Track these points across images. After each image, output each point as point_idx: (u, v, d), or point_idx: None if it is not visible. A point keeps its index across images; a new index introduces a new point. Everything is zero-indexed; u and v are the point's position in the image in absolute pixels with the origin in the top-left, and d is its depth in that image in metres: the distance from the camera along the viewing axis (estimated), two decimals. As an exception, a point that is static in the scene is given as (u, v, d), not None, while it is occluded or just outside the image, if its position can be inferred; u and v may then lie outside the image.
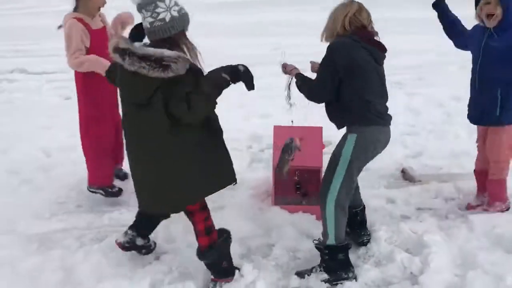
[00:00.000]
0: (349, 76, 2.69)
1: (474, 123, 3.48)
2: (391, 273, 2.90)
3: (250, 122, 5.15)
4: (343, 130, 2.93)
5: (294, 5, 12.61)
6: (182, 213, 3.32)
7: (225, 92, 5.20)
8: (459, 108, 5.60)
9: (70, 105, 5.79)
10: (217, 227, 3.33)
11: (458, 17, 3.48)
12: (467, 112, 3.50)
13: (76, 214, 3.59)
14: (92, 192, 3.72)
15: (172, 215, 3.19)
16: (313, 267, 2.89)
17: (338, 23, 2.77)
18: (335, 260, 2.80)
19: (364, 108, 2.74)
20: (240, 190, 3.87)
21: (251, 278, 2.84)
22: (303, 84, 2.90)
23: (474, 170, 3.60)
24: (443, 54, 7.92)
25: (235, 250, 3.12)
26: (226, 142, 4.59)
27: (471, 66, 3.35)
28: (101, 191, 3.71)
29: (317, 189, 3.58)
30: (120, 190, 3.76)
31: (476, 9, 3.22)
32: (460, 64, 7.28)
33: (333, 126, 4.84)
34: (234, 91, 5.96)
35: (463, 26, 3.47)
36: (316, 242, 2.92)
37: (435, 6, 3.49)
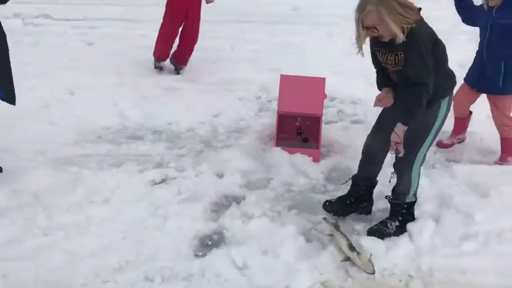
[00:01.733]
0: (435, 49, 2.67)
1: (478, 90, 3.84)
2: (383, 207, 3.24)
3: (260, 75, 5.42)
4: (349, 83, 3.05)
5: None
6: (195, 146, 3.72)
7: (238, 45, 5.41)
8: (463, 73, 5.84)
9: (93, 50, 6.16)
10: (223, 163, 3.72)
11: None
12: (466, 76, 3.90)
13: (97, 143, 3.97)
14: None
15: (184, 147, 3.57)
16: (385, 221, 2.99)
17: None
18: (410, 213, 3.03)
19: (447, 74, 2.81)
20: (246, 133, 4.24)
21: (250, 202, 3.22)
22: (408, 110, 2.69)
23: (455, 117, 4.04)
24: (456, 25, 8.07)
25: (237, 180, 3.51)
26: (238, 92, 4.97)
27: (478, 39, 3.76)
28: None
29: (317, 135, 3.94)
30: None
31: None
32: (470, 35, 7.46)
33: (337, 80, 5.09)
34: (247, 46, 6.28)
35: (472, 2, 3.73)
36: (389, 197, 3.04)
37: None
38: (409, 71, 2.64)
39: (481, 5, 3.64)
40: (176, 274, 2.65)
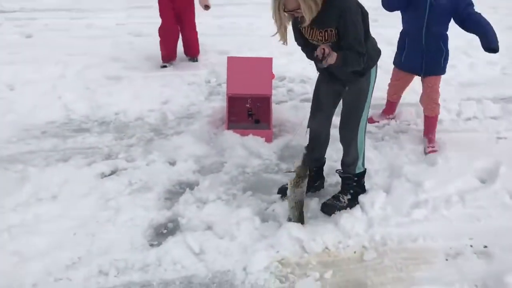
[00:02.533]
0: (364, 19, 2.67)
1: (424, 75, 3.68)
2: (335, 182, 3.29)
3: (209, 59, 5.36)
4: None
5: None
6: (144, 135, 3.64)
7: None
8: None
9: (32, 42, 5.90)
10: (174, 150, 3.67)
11: None
12: (396, 61, 3.86)
13: (41, 139, 3.82)
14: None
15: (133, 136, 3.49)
16: (337, 195, 3.05)
17: None
18: (361, 185, 3.09)
19: (373, 44, 2.83)
20: (197, 118, 4.18)
21: (204, 187, 3.20)
22: (347, 61, 2.62)
23: (388, 100, 4.10)
24: None
25: (190, 166, 3.47)
26: (186, 77, 4.89)
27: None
28: None
29: (268, 115, 3.94)
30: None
31: None
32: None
33: (286, 59, 5.09)
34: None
35: None
36: (339, 171, 3.09)
37: None
38: (345, 45, 2.61)
39: None
40: (131, 265, 2.59)
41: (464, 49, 5.59)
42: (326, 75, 2.91)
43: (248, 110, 4.02)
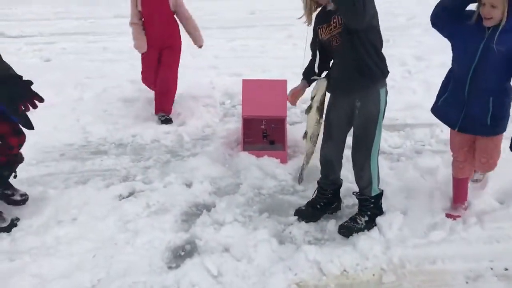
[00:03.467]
0: (375, 23, 2.68)
1: (459, 130, 2.98)
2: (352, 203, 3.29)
3: (223, 81, 5.43)
4: None
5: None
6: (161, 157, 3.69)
7: (199, 52, 5.42)
8: (419, 66, 6.01)
9: (50, 66, 6.04)
10: (191, 171, 3.70)
11: None
12: (435, 108, 3.13)
13: (60, 161, 3.88)
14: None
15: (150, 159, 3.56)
16: (354, 217, 3.03)
17: None
18: (378, 207, 3.08)
19: (383, 59, 2.82)
20: (212, 139, 4.23)
21: (220, 209, 3.22)
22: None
23: (457, 178, 3.18)
24: (410, 18, 8.30)
25: (206, 188, 3.50)
26: (201, 99, 4.96)
27: (447, 65, 3.00)
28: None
29: (283, 136, 3.97)
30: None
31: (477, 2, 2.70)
32: (424, 27, 7.68)
33: (299, 80, 5.17)
34: (207, 52, 6.29)
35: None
36: (356, 194, 3.08)
37: None
38: None
39: (469, 23, 2.72)
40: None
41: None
42: (335, 86, 2.90)
43: (263, 132, 4.05)
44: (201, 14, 8.40)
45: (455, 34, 2.80)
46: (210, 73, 5.69)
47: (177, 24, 4.55)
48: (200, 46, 4.71)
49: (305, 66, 3.10)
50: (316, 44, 2.93)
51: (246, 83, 4.08)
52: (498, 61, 2.68)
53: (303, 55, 3.04)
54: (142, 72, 4.69)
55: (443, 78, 4.46)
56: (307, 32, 2.93)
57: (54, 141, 4.13)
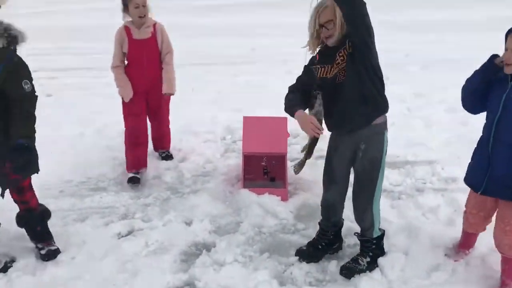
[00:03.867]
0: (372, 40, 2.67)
1: (483, 193, 2.75)
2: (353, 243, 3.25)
3: (224, 116, 5.46)
4: None
5: (268, 8, 12.99)
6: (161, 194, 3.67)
7: (201, 87, 5.43)
8: (418, 103, 6.06)
9: (52, 101, 6.07)
10: (191, 209, 3.68)
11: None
12: (465, 174, 2.91)
13: (59, 198, 3.86)
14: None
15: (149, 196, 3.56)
16: (356, 258, 3.00)
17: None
18: (380, 247, 3.05)
19: (385, 97, 2.82)
20: (213, 176, 4.22)
21: (221, 248, 3.17)
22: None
23: (464, 231, 3.07)
24: (407, 55, 8.43)
25: (206, 227, 3.46)
26: (202, 135, 4.96)
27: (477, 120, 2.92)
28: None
29: (283, 173, 3.96)
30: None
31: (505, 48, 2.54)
32: (422, 64, 7.80)
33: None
34: (210, 87, 6.35)
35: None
36: (358, 235, 3.06)
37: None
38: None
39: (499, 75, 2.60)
40: (148, 331, 2.55)
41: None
42: (339, 123, 2.87)
43: (263, 168, 4.05)
44: (204, 50, 8.59)
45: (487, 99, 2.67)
46: (212, 108, 5.72)
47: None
48: (170, 95, 4.25)
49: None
50: (307, 80, 2.91)
51: (247, 120, 4.10)
52: None
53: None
54: (127, 121, 4.13)
55: (441, 115, 4.41)
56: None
57: (53, 178, 4.11)
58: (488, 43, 9.13)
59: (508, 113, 2.54)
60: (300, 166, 3.06)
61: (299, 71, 3.08)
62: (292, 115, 2.86)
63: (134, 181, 4.05)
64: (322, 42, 2.83)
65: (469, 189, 2.92)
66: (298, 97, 2.90)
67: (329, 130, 3.01)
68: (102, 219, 3.54)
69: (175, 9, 12.86)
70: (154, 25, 4.02)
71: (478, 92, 2.69)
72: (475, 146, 2.82)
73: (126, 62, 4.09)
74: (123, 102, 4.08)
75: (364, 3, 2.58)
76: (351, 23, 2.60)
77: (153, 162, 4.43)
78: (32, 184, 3.96)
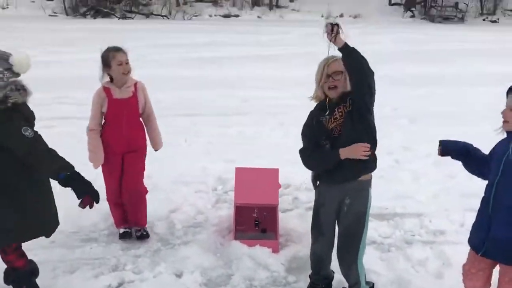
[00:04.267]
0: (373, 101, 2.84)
1: (483, 255, 2.70)
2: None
3: (216, 167, 5.53)
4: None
5: (260, 62, 13.35)
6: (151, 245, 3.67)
7: (193, 138, 5.51)
8: (406, 156, 6.19)
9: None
10: (181, 261, 3.68)
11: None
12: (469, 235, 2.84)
13: (49, 249, 3.84)
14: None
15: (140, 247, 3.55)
16: None
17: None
18: None
19: (375, 156, 2.97)
20: (204, 227, 4.24)
21: (210, 302, 3.16)
22: (355, 51, 2.72)
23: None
24: (395, 109, 8.65)
25: (196, 279, 3.46)
26: (194, 185, 5.01)
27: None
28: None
29: (275, 225, 4.00)
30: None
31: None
32: (410, 117, 8.00)
33: (291, 167, 5.22)
34: (202, 138, 6.44)
35: (480, 154, 2.82)
36: None
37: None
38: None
39: (501, 140, 2.65)
40: None
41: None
42: (329, 175, 2.94)
43: (255, 220, 4.08)
44: (195, 101, 8.75)
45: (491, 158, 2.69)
46: (204, 159, 5.79)
47: (143, 125, 4.05)
48: (157, 150, 4.23)
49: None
50: (317, 133, 2.96)
51: (239, 171, 4.18)
52: None
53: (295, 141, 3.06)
54: (108, 182, 4.00)
55: (429, 168, 4.49)
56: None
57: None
58: (474, 97, 9.48)
59: (508, 176, 2.52)
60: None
61: (290, 123, 3.20)
62: (337, 159, 2.84)
63: (126, 236, 4.02)
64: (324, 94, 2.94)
65: (458, 244, 2.96)
66: (320, 150, 2.94)
67: (318, 180, 3.09)
68: (92, 270, 3.53)
69: (167, 61, 13.18)
70: (135, 84, 3.90)
71: (468, 166, 2.83)
72: (478, 205, 2.76)
73: (104, 121, 3.93)
74: (103, 166, 3.94)
75: (373, 73, 2.73)
76: (358, 89, 2.75)
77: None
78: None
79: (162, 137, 4.25)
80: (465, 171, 3.06)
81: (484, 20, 31.68)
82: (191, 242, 3.94)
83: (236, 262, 3.65)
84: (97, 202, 2.94)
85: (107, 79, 3.87)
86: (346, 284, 3.10)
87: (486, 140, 2.84)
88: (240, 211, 4.03)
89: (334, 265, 3.26)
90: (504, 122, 2.58)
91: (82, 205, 2.90)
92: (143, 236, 4.02)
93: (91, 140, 3.91)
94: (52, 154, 2.90)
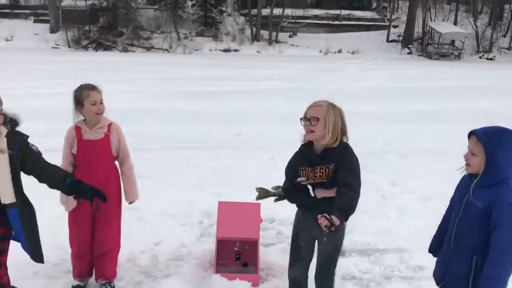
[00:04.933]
0: None
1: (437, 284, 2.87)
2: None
3: (203, 200, 5.61)
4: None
5: (257, 96, 13.59)
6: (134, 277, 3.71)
7: (183, 171, 5.58)
8: (393, 191, 6.27)
9: (36, 181, 6.19)
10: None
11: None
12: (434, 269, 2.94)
13: (32, 280, 3.88)
14: None
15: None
16: None
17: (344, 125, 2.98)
18: None
19: None
20: (187, 260, 4.30)
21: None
22: (350, 206, 2.77)
23: None
24: (387, 144, 8.78)
25: (176, 313, 3.50)
26: (180, 218, 5.07)
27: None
28: None
29: (255, 258, 4.05)
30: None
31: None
32: (400, 153, 8.11)
33: (269, 203, 5.31)
34: (192, 171, 6.52)
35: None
36: None
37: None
38: (346, 179, 2.79)
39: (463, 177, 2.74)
40: None
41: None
42: (308, 219, 3.05)
43: (236, 253, 4.14)
44: (188, 135, 8.90)
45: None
46: (192, 192, 5.87)
47: (117, 169, 3.78)
48: (131, 203, 3.92)
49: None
50: (291, 183, 3.11)
51: (222, 205, 4.26)
52: (478, 217, 2.54)
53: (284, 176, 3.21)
54: (72, 231, 3.77)
55: (414, 203, 4.57)
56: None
57: (28, 258, 4.15)
58: (463, 134, 9.59)
59: (467, 217, 2.60)
60: (264, 193, 3.12)
61: (280, 158, 3.30)
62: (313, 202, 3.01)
63: None
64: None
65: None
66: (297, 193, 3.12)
67: (298, 207, 3.20)
68: (71, 301, 3.56)
69: (165, 95, 13.44)
70: (109, 125, 3.65)
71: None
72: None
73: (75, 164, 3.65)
74: (68, 214, 3.74)
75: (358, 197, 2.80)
76: None
77: (127, 244, 4.47)
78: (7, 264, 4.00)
79: (152, 170, 4.27)
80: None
81: (480, 57, 32.29)
82: (173, 275, 3.99)
83: (215, 295, 3.69)
84: (104, 201, 3.18)
85: (81, 117, 3.64)
86: None
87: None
88: (222, 245, 4.10)
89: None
90: (466, 165, 2.65)
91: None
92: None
93: None
94: (54, 165, 3.20)
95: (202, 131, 9.16)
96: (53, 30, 30.29)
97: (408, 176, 6.86)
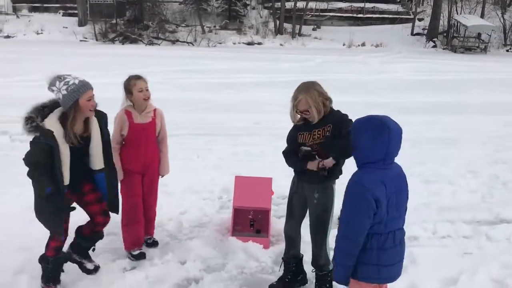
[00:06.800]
0: None
1: None
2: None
3: (223, 179, 6.20)
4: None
5: (278, 88, 14.08)
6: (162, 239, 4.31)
7: (205, 155, 6.18)
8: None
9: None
10: (186, 252, 4.33)
11: None
12: None
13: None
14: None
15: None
16: None
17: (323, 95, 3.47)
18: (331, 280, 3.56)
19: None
20: (208, 227, 4.90)
21: (207, 282, 3.84)
22: (342, 147, 3.22)
23: None
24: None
25: (197, 266, 4.11)
26: (202, 193, 5.69)
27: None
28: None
29: (267, 225, 4.63)
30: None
31: None
32: (411, 142, 8.53)
33: (286, 181, 5.84)
34: (213, 155, 7.08)
35: None
36: (317, 271, 3.68)
37: None
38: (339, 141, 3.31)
39: None
40: None
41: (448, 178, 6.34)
42: (303, 176, 3.59)
43: (250, 221, 4.72)
44: (211, 122, 9.52)
45: None
46: (213, 172, 6.48)
47: (158, 148, 4.38)
48: (162, 176, 4.51)
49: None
50: (295, 142, 3.62)
51: (238, 179, 4.85)
52: None
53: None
54: (126, 203, 4.20)
55: (417, 185, 4.87)
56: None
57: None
58: (479, 124, 9.80)
59: None
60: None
61: None
62: (304, 168, 3.50)
63: (141, 257, 4.23)
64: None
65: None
66: (293, 156, 3.61)
67: (294, 172, 3.73)
68: (111, 256, 4.21)
69: (188, 86, 14.07)
70: (154, 110, 4.24)
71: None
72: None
73: (123, 143, 4.19)
74: (122, 185, 4.16)
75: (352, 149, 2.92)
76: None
77: (157, 213, 5.09)
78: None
79: (178, 152, 4.82)
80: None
81: (507, 51, 31.74)
82: (195, 238, 4.61)
83: (231, 254, 4.30)
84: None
85: (129, 103, 4.15)
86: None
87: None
88: (238, 213, 4.68)
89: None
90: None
91: None
92: (155, 243, 4.48)
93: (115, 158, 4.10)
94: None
95: (223, 120, 9.78)
96: (81, 24, 31.23)
97: (415, 162, 7.30)
